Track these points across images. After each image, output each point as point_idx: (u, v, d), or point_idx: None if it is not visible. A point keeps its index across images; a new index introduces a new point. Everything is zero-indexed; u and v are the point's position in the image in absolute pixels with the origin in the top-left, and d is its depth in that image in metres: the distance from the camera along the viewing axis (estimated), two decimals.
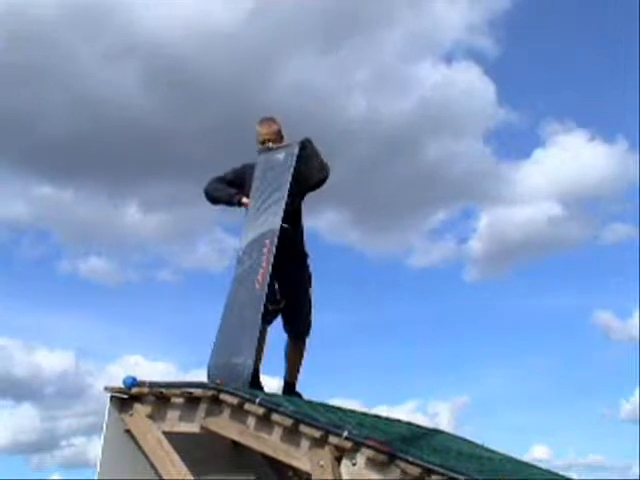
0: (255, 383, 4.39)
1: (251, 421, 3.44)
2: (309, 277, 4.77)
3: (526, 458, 5.72)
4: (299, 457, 3.29)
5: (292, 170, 4.37)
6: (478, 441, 5.37)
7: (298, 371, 4.74)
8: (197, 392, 3.54)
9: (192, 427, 3.60)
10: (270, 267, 4.16)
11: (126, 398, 3.71)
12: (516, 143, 20.97)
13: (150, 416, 3.69)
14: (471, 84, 18.51)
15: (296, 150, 4.42)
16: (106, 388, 3.73)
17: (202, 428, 3.58)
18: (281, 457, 3.36)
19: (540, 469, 5.31)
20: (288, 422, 3.28)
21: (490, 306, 18.91)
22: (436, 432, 4.92)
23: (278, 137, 4.74)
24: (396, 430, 4.05)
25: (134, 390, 3.66)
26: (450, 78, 18.59)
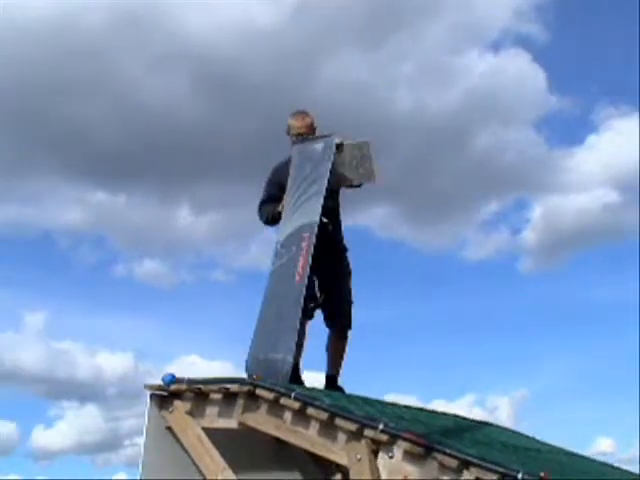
0: (295, 378, 4.37)
1: (288, 416, 3.42)
2: (349, 271, 4.72)
3: (590, 451, 5.55)
4: (336, 451, 3.25)
5: (331, 162, 4.31)
6: (534, 435, 5.25)
7: (340, 365, 4.69)
8: (234, 388, 3.54)
9: (230, 423, 3.61)
10: (310, 260, 4.10)
11: (166, 395, 3.75)
12: (568, 130, 20.37)
13: (189, 412, 3.71)
14: (520, 71, 18.09)
15: (336, 140, 4.32)
16: (146, 386, 3.78)
17: (240, 424, 3.57)
18: (319, 451, 3.33)
19: (597, 462, 5.13)
20: (324, 416, 3.24)
21: (547, 297, 18.43)
22: (484, 424, 4.80)
23: (311, 130, 4.68)
24: (439, 423, 3.96)
25: (173, 387, 3.69)
26: (498, 66, 18.21)
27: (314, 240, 4.14)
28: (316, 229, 4.17)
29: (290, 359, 3.91)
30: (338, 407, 3.27)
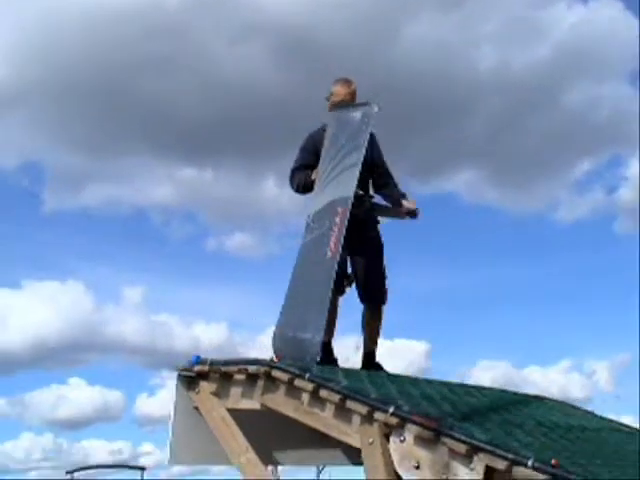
0: (327, 357, 4.32)
1: (305, 397, 3.37)
2: (381, 245, 4.60)
3: None
4: (351, 434, 3.18)
5: (369, 131, 4.13)
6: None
7: (377, 342, 4.61)
8: (252, 369, 3.53)
9: (253, 404, 3.61)
10: (343, 236, 3.98)
11: (193, 376, 3.78)
12: None
13: (215, 393, 3.73)
14: (612, 22, 16.97)
15: (376, 109, 4.13)
16: (174, 367, 3.83)
17: (262, 405, 3.56)
18: (334, 434, 3.27)
19: None
20: (335, 398, 3.18)
21: None
22: (532, 400, 4.58)
23: (355, 99, 4.55)
24: (471, 402, 3.80)
25: (197, 368, 3.72)
26: (588, 18, 17.16)
27: (348, 215, 4.00)
28: (350, 204, 4.03)
29: (319, 339, 3.84)
30: (352, 389, 3.18)
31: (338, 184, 4.09)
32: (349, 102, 4.47)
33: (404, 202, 4.50)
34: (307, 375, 3.30)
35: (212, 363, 3.68)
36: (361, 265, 4.51)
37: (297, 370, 3.36)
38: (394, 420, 2.96)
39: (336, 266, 3.93)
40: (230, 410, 3.68)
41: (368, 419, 3.06)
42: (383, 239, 4.62)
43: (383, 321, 4.60)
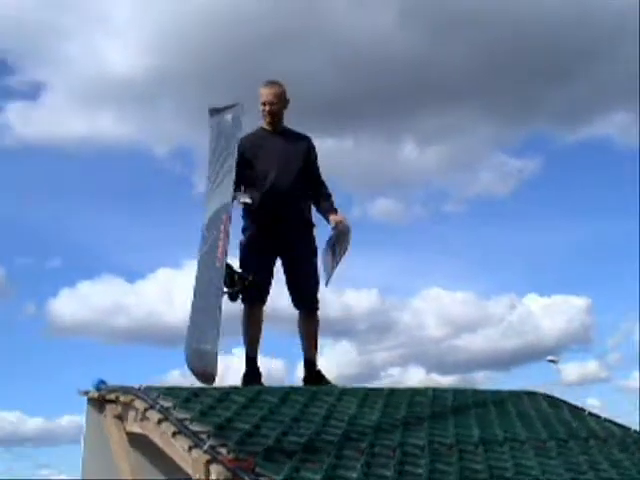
0: (252, 373, 4.22)
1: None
2: (314, 249, 4.38)
3: None
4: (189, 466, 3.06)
5: (239, 134, 4.05)
6: None
7: (315, 348, 4.42)
8: (123, 398, 3.53)
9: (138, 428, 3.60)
10: (227, 244, 3.91)
11: (101, 400, 3.86)
12: None
13: (118, 417, 3.78)
14: None
15: (242, 110, 4.10)
16: (80, 391, 3.94)
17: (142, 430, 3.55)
18: (183, 465, 3.17)
19: None
20: (170, 430, 3.07)
21: None
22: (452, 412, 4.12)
23: (281, 100, 4.43)
24: (365, 419, 3.50)
25: (90, 394, 3.80)
26: None
27: (230, 222, 3.94)
28: (231, 210, 3.96)
29: (216, 352, 3.77)
30: (176, 419, 3.06)
31: (221, 191, 3.98)
32: (275, 105, 4.39)
33: (331, 217, 4.38)
34: (157, 406, 3.23)
35: (99, 389, 3.73)
36: (292, 270, 4.34)
37: (150, 399, 3.30)
38: (205, 458, 2.81)
39: (224, 275, 3.86)
40: (129, 434, 3.72)
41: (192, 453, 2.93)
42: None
43: (319, 327, 4.40)
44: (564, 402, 4.68)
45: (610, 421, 4.43)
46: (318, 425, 3.35)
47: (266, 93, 4.38)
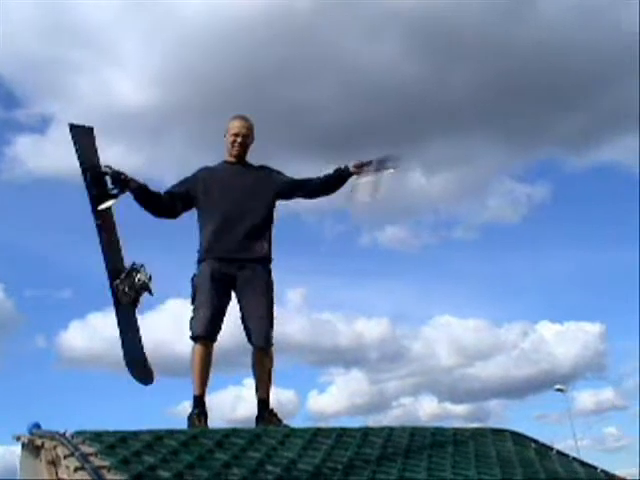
0: (200, 411, 4.08)
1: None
2: (270, 284, 4.26)
3: None
4: None
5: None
6: None
7: (268, 386, 4.26)
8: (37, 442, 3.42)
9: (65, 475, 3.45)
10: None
11: (37, 445, 3.72)
12: None
13: (52, 462, 3.63)
14: None
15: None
16: (14, 436, 3.81)
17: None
18: None
19: None
20: (84, 478, 2.93)
21: None
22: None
23: (252, 134, 4.52)
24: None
25: (23, 438, 3.67)
26: None
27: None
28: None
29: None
30: (93, 468, 2.92)
31: None
32: (246, 137, 4.46)
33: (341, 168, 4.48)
34: (76, 453, 3.10)
35: (32, 433, 3.60)
36: (245, 306, 4.23)
37: (71, 447, 3.17)
38: None
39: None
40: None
41: None
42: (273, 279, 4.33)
43: (273, 365, 4.24)
44: (533, 440, 4.46)
45: (579, 461, 4.21)
46: (249, 471, 3.18)
47: (240, 125, 4.45)
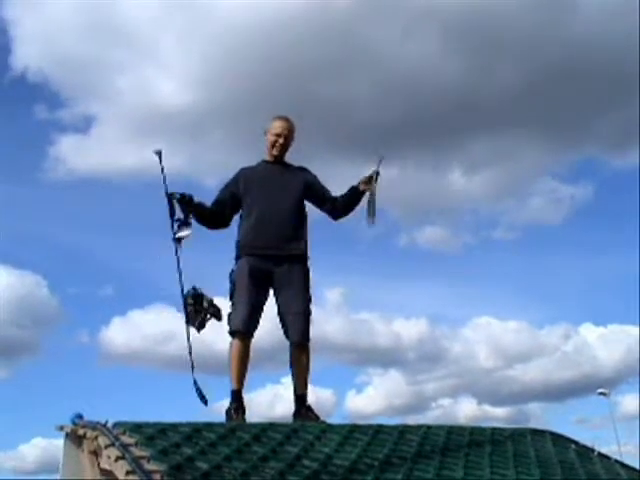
0: (237, 406, 4.11)
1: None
2: (307, 281, 4.30)
3: None
4: None
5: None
6: None
7: (306, 382, 4.27)
8: (80, 432, 3.49)
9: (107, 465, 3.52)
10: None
11: (79, 435, 3.81)
12: None
13: (93, 452, 3.72)
14: None
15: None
16: (57, 426, 3.89)
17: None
18: None
19: None
20: (124, 468, 2.98)
21: None
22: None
23: (293, 135, 4.56)
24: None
25: (66, 428, 3.75)
26: None
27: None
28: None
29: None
30: (133, 458, 2.96)
31: None
32: (287, 138, 4.49)
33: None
34: (118, 442, 3.15)
35: (74, 423, 3.67)
36: (283, 303, 4.26)
37: (112, 438, 3.23)
38: None
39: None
40: (102, 470, 3.64)
41: None
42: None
43: (310, 361, 4.27)
44: (573, 442, 4.38)
45: (621, 463, 4.12)
46: (286, 465, 3.20)
47: (282, 126, 4.49)
